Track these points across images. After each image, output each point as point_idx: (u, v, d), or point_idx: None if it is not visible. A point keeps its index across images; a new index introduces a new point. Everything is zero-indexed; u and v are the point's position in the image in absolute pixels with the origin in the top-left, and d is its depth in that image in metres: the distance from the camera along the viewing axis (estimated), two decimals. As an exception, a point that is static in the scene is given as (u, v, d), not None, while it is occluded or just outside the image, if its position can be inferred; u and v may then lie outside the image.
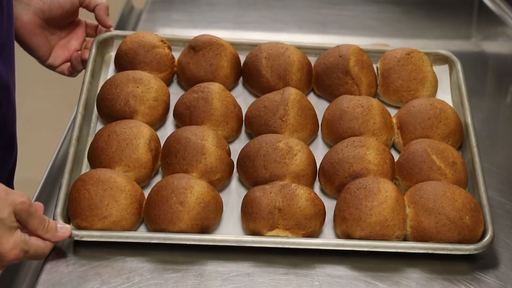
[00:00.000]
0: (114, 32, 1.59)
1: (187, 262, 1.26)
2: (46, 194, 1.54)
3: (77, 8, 1.55)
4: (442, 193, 1.29)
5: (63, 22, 1.56)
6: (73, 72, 1.59)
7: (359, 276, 1.25)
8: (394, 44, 1.99)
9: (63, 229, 1.23)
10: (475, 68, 2.14)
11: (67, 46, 1.58)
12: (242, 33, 2.29)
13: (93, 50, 1.54)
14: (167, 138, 1.40)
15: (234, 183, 1.40)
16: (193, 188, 1.28)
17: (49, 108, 3.39)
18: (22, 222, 1.18)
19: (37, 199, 1.52)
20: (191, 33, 2.28)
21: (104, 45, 1.58)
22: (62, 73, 1.59)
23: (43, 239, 1.21)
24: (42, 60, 1.57)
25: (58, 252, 1.26)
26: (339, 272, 1.26)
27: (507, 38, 2.29)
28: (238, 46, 1.60)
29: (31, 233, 1.20)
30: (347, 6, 2.51)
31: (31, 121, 3.19)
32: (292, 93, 1.45)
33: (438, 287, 1.24)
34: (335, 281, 1.24)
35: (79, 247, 1.27)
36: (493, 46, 2.32)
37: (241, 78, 1.59)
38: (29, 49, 1.55)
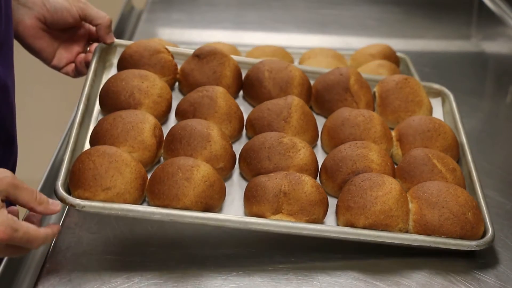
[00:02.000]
0: (117, 40, 1.60)
1: (187, 261, 1.26)
2: (46, 194, 1.54)
3: (80, 22, 1.56)
4: (445, 189, 1.31)
5: (66, 29, 1.56)
6: (78, 74, 1.59)
7: (359, 276, 1.25)
8: (394, 44, 1.99)
9: (53, 205, 1.19)
10: (475, 68, 2.14)
11: (70, 48, 1.58)
12: (242, 33, 2.30)
13: (95, 57, 1.54)
14: (172, 128, 1.40)
15: (236, 176, 1.40)
16: (199, 167, 1.28)
17: (49, 108, 3.39)
18: (11, 197, 1.14)
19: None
20: (191, 33, 2.30)
21: (106, 52, 1.58)
22: (67, 74, 1.59)
23: (37, 212, 1.18)
24: (47, 62, 1.58)
25: (58, 251, 1.26)
26: (339, 272, 1.26)
27: (507, 38, 2.29)
28: (239, 64, 1.61)
29: (24, 206, 1.16)
30: (347, 6, 2.52)
31: (31, 121, 3.20)
32: (295, 98, 1.47)
33: (438, 287, 1.24)
34: (335, 281, 1.24)
35: (79, 247, 1.28)
36: (493, 46, 2.32)
37: (241, 93, 1.60)
38: (33, 52, 1.55)
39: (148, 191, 1.29)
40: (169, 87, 1.54)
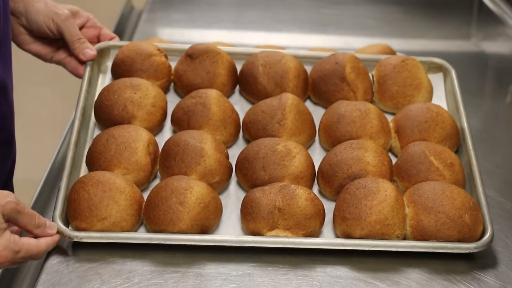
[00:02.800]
0: (111, 42, 1.59)
1: (187, 262, 1.26)
2: (46, 195, 1.54)
3: (58, 38, 1.54)
4: (441, 192, 1.30)
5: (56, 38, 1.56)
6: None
7: (359, 276, 1.25)
8: (394, 44, 1.99)
9: (50, 227, 1.24)
10: (475, 68, 2.14)
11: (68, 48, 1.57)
12: (242, 33, 2.30)
13: (88, 66, 1.54)
14: (166, 142, 1.40)
15: (233, 186, 1.40)
16: (192, 189, 1.29)
17: (48, 108, 3.39)
18: (12, 221, 1.19)
19: (37, 200, 1.52)
20: (191, 33, 2.29)
21: (100, 55, 1.58)
22: (70, 70, 1.58)
23: (34, 235, 1.22)
24: (46, 61, 1.58)
25: (58, 252, 1.26)
26: (339, 272, 1.26)
27: (507, 38, 2.29)
28: (234, 55, 1.60)
29: (23, 228, 1.21)
30: (347, 6, 2.51)
31: (30, 121, 3.20)
32: (289, 97, 1.45)
33: (438, 287, 1.24)
34: (335, 281, 1.24)
35: (79, 247, 1.27)
36: (493, 46, 2.32)
37: (237, 87, 1.59)
38: (31, 54, 1.56)
39: (145, 216, 1.30)
40: (164, 90, 1.54)
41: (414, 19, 2.46)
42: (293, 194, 1.28)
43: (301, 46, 2.05)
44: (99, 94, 1.48)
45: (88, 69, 1.53)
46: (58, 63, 1.59)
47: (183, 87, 1.53)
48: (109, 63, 1.59)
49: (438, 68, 1.62)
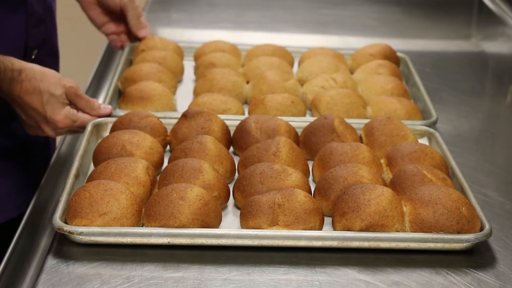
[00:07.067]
0: (108, 119, 1.63)
1: (187, 262, 1.26)
2: (46, 194, 1.54)
3: (120, 11, 1.92)
4: (436, 188, 1.32)
5: (114, 11, 1.92)
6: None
7: (359, 276, 1.25)
8: (394, 44, 1.99)
9: (106, 109, 1.61)
10: (475, 68, 2.14)
11: (119, 25, 1.96)
12: (242, 33, 2.30)
13: (88, 131, 1.57)
14: (163, 168, 1.42)
15: (231, 207, 1.40)
16: (193, 187, 1.30)
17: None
18: (72, 102, 1.55)
19: (37, 200, 1.52)
20: (191, 33, 2.30)
21: (98, 128, 1.62)
22: (111, 41, 2.00)
23: (91, 115, 1.58)
24: (97, 27, 1.96)
25: (58, 252, 1.26)
26: (339, 272, 1.26)
27: (507, 38, 2.30)
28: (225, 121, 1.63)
29: (82, 111, 1.57)
30: (347, 6, 2.52)
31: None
32: (282, 137, 1.49)
33: (438, 287, 1.24)
34: (335, 281, 1.24)
35: (79, 247, 1.27)
36: (493, 46, 2.32)
37: (231, 149, 1.61)
38: (88, 16, 1.94)
39: (145, 216, 1.30)
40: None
41: (413, 19, 2.46)
42: (292, 191, 1.30)
43: (301, 46, 2.05)
44: (98, 144, 1.51)
45: (86, 135, 1.55)
46: (105, 33, 1.96)
47: (179, 142, 1.55)
48: (106, 134, 1.62)
49: (422, 134, 1.63)
